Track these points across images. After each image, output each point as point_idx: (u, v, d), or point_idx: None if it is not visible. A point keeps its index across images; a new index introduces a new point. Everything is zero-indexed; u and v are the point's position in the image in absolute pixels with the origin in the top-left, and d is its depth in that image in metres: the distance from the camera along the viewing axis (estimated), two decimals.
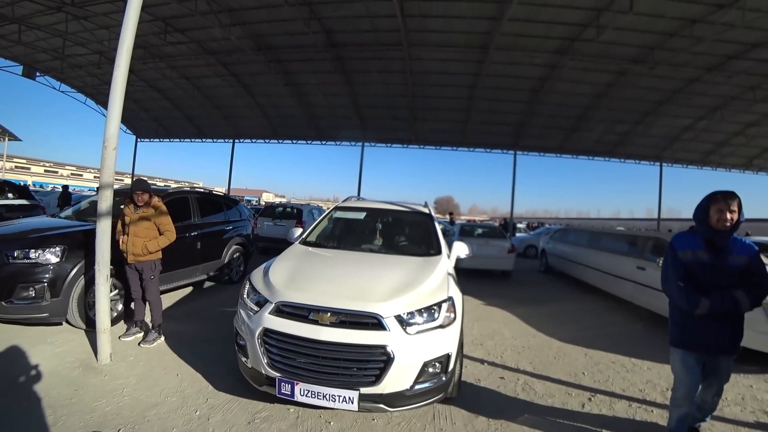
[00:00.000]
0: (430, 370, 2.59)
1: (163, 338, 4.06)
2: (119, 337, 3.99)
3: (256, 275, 3.13)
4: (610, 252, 7.49)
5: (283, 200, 37.25)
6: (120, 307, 4.47)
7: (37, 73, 18.41)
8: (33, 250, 3.91)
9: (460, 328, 2.89)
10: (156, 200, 4.09)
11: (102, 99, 20.98)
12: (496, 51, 12.62)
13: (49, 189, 27.75)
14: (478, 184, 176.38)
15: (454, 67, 14.51)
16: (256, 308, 2.75)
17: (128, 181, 23.87)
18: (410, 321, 2.60)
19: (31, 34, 14.81)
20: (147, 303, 4.13)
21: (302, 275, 3.05)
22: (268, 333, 2.57)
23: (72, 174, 69.42)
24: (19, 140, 32.75)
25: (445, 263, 3.53)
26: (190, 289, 6.36)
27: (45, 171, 64.90)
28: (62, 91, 20.74)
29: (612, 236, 8.20)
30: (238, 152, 23.20)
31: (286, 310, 2.63)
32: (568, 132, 18.89)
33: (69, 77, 19.54)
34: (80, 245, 4.13)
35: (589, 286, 8.24)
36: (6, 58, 17.50)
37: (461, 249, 4.07)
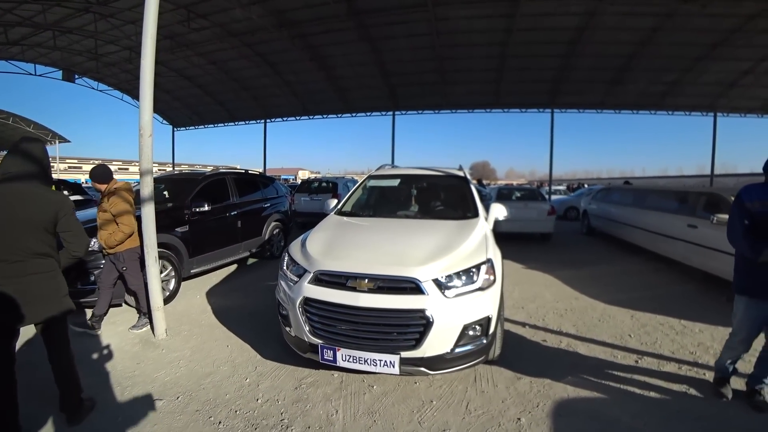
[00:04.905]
0: (471, 333, 2.57)
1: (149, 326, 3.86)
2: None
3: (294, 247, 3.18)
4: (658, 210, 7.05)
5: (318, 176, 37.74)
6: (172, 286, 4.73)
7: (76, 76, 19.15)
8: (89, 239, 4.14)
9: (501, 291, 2.83)
10: (114, 187, 3.71)
11: (136, 93, 21.31)
12: (527, 2, 11.81)
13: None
14: (514, 146, 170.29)
15: (483, 24, 13.69)
16: (295, 279, 2.81)
17: (169, 170, 24.83)
18: (448, 284, 2.57)
19: (65, 38, 15.42)
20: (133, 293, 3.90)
21: (338, 244, 3.08)
22: (308, 302, 2.63)
23: (119, 169, 73.23)
24: (68, 141, 35.14)
25: (482, 225, 3.46)
26: (235, 266, 6.64)
27: None
28: (100, 90, 21.66)
29: (660, 194, 7.67)
30: (270, 132, 23.46)
31: (325, 279, 2.67)
32: (609, 85, 17.58)
33: (105, 76, 20.25)
34: None
35: (635, 247, 7.87)
36: (46, 65, 18.39)
37: (499, 211, 3.95)
